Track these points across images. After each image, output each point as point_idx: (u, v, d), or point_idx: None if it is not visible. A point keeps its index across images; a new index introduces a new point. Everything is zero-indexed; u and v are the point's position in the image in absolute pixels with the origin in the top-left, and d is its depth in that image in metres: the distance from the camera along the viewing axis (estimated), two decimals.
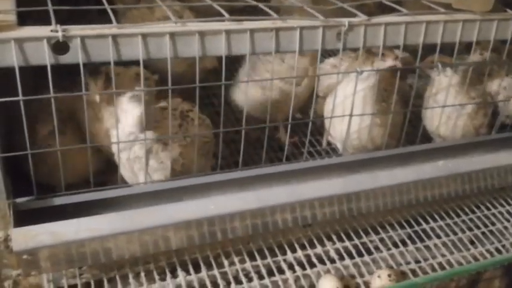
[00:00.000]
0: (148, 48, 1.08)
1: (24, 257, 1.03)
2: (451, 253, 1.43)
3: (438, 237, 1.48)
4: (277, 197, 1.22)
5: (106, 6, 1.15)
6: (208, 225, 1.18)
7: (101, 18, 1.12)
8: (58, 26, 1.01)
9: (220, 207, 1.18)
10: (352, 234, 1.45)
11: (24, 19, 1.07)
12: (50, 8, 1.08)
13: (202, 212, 1.16)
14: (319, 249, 1.40)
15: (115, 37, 1.05)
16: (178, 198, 1.21)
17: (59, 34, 1.00)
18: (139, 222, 1.11)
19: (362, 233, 1.46)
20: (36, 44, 1.00)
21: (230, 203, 1.20)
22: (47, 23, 1.05)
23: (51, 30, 1.01)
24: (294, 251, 1.38)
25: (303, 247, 1.40)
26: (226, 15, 1.16)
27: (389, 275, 1.29)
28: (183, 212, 1.15)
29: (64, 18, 1.07)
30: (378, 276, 1.30)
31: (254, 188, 1.26)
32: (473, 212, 1.59)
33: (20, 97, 1.03)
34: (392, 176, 1.33)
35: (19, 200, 1.12)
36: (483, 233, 1.51)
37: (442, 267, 1.38)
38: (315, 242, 1.41)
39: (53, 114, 1.09)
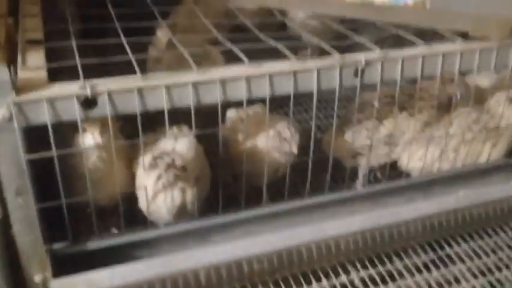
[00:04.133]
0: (173, 98, 1.13)
1: None
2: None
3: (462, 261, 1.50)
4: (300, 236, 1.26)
5: (131, 56, 1.20)
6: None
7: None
8: (86, 82, 1.07)
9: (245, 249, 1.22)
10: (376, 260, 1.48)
11: (54, 73, 1.13)
12: (79, 63, 1.14)
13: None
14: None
15: (140, 90, 1.09)
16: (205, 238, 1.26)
17: (88, 91, 1.05)
18: (171, 266, 1.16)
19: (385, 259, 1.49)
20: (67, 101, 1.05)
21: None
22: (77, 73, 1.10)
23: (80, 88, 1.06)
24: (318, 279, 1.41)
25: (327, 275, 1.43)
26: (246, 60, 1.21)
27: None
28: (211, 255, 1.20)
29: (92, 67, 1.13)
30: None
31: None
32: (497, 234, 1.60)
33: (54, 152, 1.09)
34: (415, 210, 1.36)
35: (56, 245, 1.18)
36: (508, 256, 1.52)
37: None
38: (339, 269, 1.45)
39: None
